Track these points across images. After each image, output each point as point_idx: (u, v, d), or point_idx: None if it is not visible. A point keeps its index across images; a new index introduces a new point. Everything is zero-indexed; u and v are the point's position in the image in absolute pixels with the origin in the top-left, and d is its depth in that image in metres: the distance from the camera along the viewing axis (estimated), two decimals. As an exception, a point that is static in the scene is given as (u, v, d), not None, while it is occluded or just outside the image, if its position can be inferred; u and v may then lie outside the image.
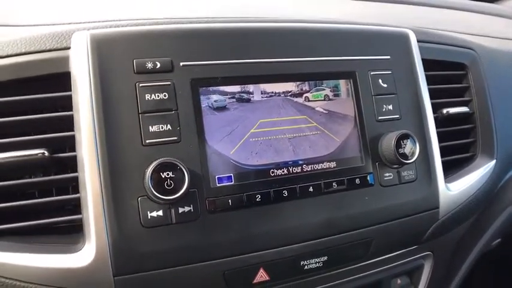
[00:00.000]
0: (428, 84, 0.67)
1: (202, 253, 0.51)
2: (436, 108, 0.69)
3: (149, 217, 0.48)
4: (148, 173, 0.46)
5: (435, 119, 0.67)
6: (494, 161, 0.72)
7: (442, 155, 0.66)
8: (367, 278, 0.65)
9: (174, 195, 0.47)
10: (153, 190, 0.46)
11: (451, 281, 0.78)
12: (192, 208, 0.50)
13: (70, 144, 0.51)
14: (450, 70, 0.74)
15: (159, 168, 0.47)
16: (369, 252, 0.60)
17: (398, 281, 0.70)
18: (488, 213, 0.81)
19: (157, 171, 0.47)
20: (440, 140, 0.66)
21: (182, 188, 0.47)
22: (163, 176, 0.47)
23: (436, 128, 0.66)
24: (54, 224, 0.51)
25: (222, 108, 0.54)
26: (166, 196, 0.47)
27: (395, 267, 0.67)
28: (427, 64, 0.68)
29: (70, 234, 0.51)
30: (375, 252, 0.61)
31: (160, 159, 0.47)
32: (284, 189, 0.54)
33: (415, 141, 0.58)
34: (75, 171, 0.50)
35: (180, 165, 0.47)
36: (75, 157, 0.50)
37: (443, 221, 0.65)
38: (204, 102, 0.53)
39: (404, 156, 0.58)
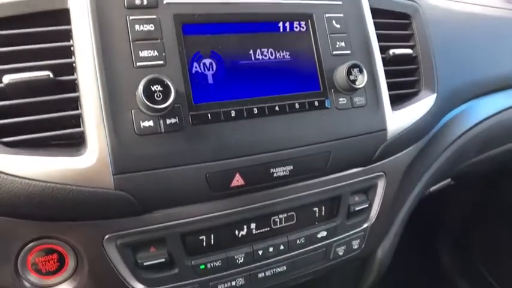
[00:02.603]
0: (377, 30, 0.78)
1: (187, 157, 0.61)
2: (383, 50, 0.80)
3: (142, 127, 0.58)
4: (141, 86, 0.56)
5: (383, 59, 0.79)
6: (435, 95, 0.84)
7: (389, 90, 0.78)
8: (329, 192, 0.76)
9: (163, 104, 0.56)
10: (145, 100, 0.56)
11: (402, 205, 0.90)
12: (177, 120, 0.60)
13: (69, 70, 0.60)
14: (396, 19, 0.86)
15: (150, 83, 0.56)
16: (328, 165, 0.71)
17: (356, 198, 0.82)
18: (433, 146, 0.94)
19: (148, 84, 0.56)
20: (388, 77, 0.78)
21: (169, 99, 0.56)
22: (153, 89, 0.56)
23: (384, 66, 0.78)
24: (59, 137, 0.59)
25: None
26: (156, 105, 0.56)
27: (352, 185, 0.79)
28: (377, 13, 0.80)
29: (71, 147, 0.60)
30: (334, 166, 0.72)
31: (151, 75, 0.57)
32: (254, 107, 0.65)
33: (363, 70, 0.70)
34: (76, 92, 0.59)
35: (166, 80, 0.57)
36: (75, 80, 0.59)
37: (391, 142, 0.77)
38: (185, 33, 0.62)
39: (354, 82, 0.69)
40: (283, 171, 0.68)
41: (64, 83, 0.60)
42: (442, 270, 1.83)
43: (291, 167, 0.68)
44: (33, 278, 0.63)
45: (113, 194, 0.58)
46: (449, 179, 1.16)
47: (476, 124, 1.04)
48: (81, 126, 0.59)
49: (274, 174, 0.67)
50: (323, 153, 0.70)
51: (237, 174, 0.64)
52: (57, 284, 0.65)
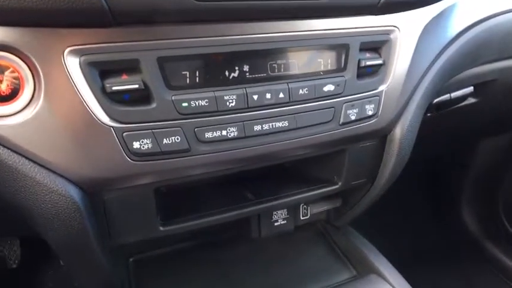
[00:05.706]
0: None
1: None
2: None
3: None
4: None
5: None
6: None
7: None
8: (334, 38, 0.66)
9: None
10: None
11: (421, 75, 0.77)
12: None
13: None
14: None
15: None
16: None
17: (367, 54, 0.70)
18: (451, 19, 0.83)
19: None
20: None
21: None
22: None
23: None
24: None
25: None
26: None
27: (362, 34, 0.68)
28: None
29: None
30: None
31: None
32: None
33: None
34: None
35: None
36: None
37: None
38: None
39: None
40: None
41: None
42: (465, 231, 1.68)
43: None
44: (-21, 101, 0.52)
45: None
46: (471, 87, 1.05)
47: (501, 13, 0.94)
48: None
49: None
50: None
51: None
52: (8, 116, 0.54)
